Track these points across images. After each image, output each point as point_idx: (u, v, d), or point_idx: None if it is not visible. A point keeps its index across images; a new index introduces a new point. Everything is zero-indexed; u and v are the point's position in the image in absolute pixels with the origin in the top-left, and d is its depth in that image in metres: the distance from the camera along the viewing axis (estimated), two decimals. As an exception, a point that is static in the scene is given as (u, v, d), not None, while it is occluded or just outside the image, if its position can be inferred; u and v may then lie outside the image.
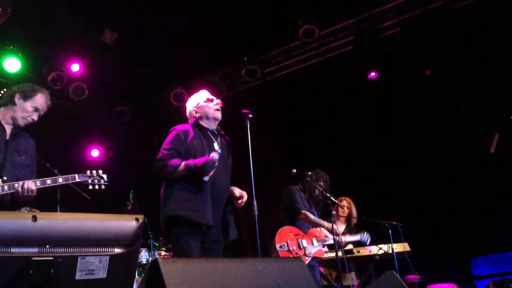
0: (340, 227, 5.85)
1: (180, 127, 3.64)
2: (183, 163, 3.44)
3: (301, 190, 5.47)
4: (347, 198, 5.97)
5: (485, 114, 6.66)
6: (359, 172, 7.37)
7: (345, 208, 5.87)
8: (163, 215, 3.46)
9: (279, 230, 5.05)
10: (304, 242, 5.02)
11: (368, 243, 5.41)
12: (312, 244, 5.09)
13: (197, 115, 3.70)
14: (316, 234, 5.25)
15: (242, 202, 3.64)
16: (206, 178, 3.45)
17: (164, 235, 3.59)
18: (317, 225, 5.26)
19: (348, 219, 5.96)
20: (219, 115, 3.72)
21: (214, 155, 3.37)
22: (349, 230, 5.82)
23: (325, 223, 5.22)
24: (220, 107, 3.73)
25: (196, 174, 3.39)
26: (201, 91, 3.85)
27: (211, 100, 3.72)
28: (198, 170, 3.39)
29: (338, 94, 7.46)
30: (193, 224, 3.36)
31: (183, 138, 3.56)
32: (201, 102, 3.73)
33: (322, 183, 5.44)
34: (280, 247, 4.84)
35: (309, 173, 5.18)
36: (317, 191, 5.41)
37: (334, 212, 5.27)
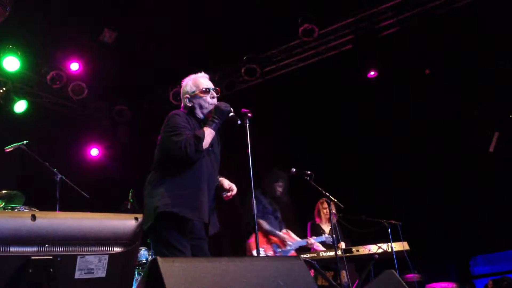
0: (327, 227, 5.86)
1: (181, 113, 3.34)
2: (202, 130, 3.18)
3: (263, 194, 5.37)
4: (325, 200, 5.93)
5: (484, 113, 6.66)
6: (359, 171, 7.37)
7: (327, 209, 5.86)
8: (154, 209, 3.10)
9: (251, 237, 5.03)
10: (279, 246, 5.00)
11: (330, 243, 5.32)
12: (286, 247, 5.08)
13: (190, 104, 3.41)
14: (288, 236, 5.23)
15: (230, 195, 3.38)
16: (232, 117, 3.30)
17: (149, 231, 3.14)
18: (269, 234, 5.15)
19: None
20: (214, 105, 3.39)
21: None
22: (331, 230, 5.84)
23: (278, 233, 5.12)
24: (217, 95, 3.47)
25: (222, 123, 3.25)
26: (199, 74, 3.53)
27: (208, 92, 3.40)
28: (222, 118, 3.25)
29: (338, 93, 7.46)
30: (186, 221, 3.14)
31: (187, 123, 3.30)
32: (197, 91, 3.40)
33: (281, 183, 5.40)
34: None
35: (308, 172, 5.17)
36: (278, 192, 5.36)
37: (334, 212, 5.27)
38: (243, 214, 5.21)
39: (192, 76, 3.53)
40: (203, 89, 3.41)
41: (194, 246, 3.20)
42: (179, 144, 3.08)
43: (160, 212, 3.08)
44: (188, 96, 3.42)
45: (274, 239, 5.12)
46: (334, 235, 4.79)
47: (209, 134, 3.19)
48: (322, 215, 5.96)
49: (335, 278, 5.25)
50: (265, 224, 5.13)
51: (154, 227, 3.10)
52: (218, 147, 3.52)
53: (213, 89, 3.45)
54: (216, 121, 3.24)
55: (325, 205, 5.90)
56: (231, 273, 2.22)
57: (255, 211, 3.54)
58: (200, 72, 3.54)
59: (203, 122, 3.35)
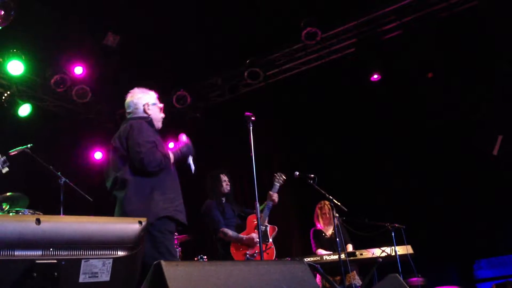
0: (329, 230, 5.84)
1: (143, 121, 3.49)
2: (169, 152, 3.41)
3: (216, 201, 5.18)
4: (327, 201, 5.90)
5: (487, 116, 6.64)
6: (362, 174, 7.36)
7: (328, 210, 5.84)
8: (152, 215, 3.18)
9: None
10: (248, 253, 4.92)
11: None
12: (254, 248, 5.00)
13: (150, 113, 3.60)
14: (254, 220, 5.06)
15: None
16: (190, 161, 3.51)
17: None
18: (236, 241, 4.96)
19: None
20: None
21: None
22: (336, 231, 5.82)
23: (244, 237, 4.96)
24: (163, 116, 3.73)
25: (182, 159, 3.48)
26: (150, 92, 3.74)
27: (160, 107, 3.71)
28: (184, 155, 3.47)
29: (340, 97, 7.46)
30: (176, 225, 3.36)
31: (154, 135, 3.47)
32: (152, 102, 3.66)
33: (224, 178, 5.22)
34: None
35: (312, 175, 5.15)
36: (226, 188, 5.25)
37: (337, 215, 5.26)
38: (207, 223, 5.12)
39: (146, 89, 3.74)
40: (157, 104, 3.69)
41: None
42: (147, 157, 3.22)
43: (160, 217, 3.21)
44: (148, 104, 3.61)
45: (242, 246, 5.02)
46: (338, 239, 4.77)
47: (173, 159, 3.43)
48: (321, 219, 5.93)
49: (342, 281, 5.22)
50: (230, 232, 4.98)
51: (149, 232, 3.13)
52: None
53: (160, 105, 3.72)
54: (181, 155, 3.49)
55: (325, 209, 5.88)
56: (235, 277, 2.22)
57: (259, 215, 3.57)
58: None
59: (157, 132, 3.55)
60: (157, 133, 3.53)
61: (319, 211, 5.99)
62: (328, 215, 5.85)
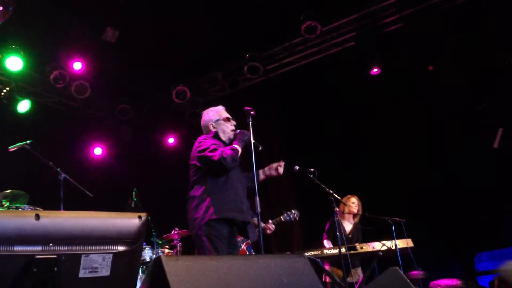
0: (348, 225, 5.83)
1: (209, 136, 3.96)
2: (234, 145, 3.79)
3: None
4: (355, 196, 5.90)
5: (488, 109, 6.63)
6: (362, 168, 7.36)
7: (355, 205, 5.81)
8: (201, 219, 3.64)
9: None
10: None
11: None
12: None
13: (214, 130, 4.02)
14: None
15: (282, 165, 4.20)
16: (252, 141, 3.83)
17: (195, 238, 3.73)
18: None
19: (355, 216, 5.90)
20: (235, 132, 4.03)
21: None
22: (355, 228, 5.81)
23: None
24: (235, 125, 4.06)
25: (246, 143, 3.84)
26: (219, 107, 4.17)
27: (229, 120, 4.05)
28: (247, 139, 3.82)
29: (341, 90, 7.45)
30: (232, 225, 3.73)
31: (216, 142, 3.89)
32: (221, 119, 4.04)
33: None
34: None
35: (312, 169, 5.13)
36: None
37: (337, 209, 5.25)
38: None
39: (213, 107, 4.18)
40: (225, 118, 4.06)
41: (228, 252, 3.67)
42: (216, 156, 3.65)
43: (208, 220, 3.58)
44: (212, 123, 4.05)
45: None
46: (338, 233, 4.75)
47: (239, 149, 3.78)
48: (346, 211, 5.86)
49: (344, 275, 5.22)
50: None
51: (198, 234, 3.62)
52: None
53: (232, 118, 4.09)
54: (242, 142, 3.83)
55: (352, 200, 5.84)
56: (235, 271, 2.22)
57: (259, 209, 3.58)
58: (219, 106, 4.21)
59: (227, 145, 3.92)
60: (223, 145, 3.91)
61: (348, 202, 5.89)
62: (354, 210, 5.80)
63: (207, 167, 3.73)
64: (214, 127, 4.04)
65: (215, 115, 4.09)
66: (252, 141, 3.83)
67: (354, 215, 5.88)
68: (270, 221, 5.07)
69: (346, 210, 5.87)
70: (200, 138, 3.93)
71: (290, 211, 5.27)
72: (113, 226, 1.97)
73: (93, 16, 6.76)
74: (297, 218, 5.27)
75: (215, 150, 3.71)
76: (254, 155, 3.77)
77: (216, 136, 3.98)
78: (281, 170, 4.22)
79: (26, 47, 6.78)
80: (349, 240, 5.67)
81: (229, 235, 3.69)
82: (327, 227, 5.89)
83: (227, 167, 3.67)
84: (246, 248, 5.15)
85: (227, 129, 4.02)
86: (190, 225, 3.78)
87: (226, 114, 4.10)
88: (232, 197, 3.70)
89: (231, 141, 3.94)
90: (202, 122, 4.14)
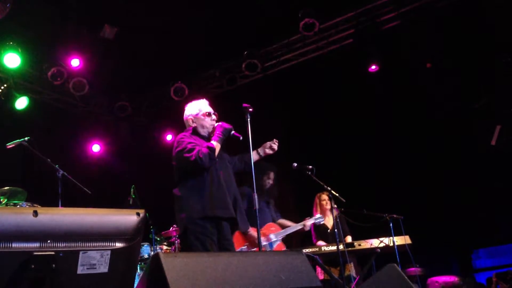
0: (329, 221, 5.85)
1: (186, 134, 3.88)
2: (212, 142, 3.75)
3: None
4: (326, 192, 5.89)
5: (485, 107, 6.64)
6: (360, 165, 7.37)
7: (326, 202, 5.86)
8: (188, 219, 3.62)
9: (235, 234, 4.91)
10: (262, 241, 4.91)
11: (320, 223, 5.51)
12: (270, 240, 5.02)
13: (193, 125, 3.96)
14: (272, 228, 5.13)
15: (275, 143, 4.25)
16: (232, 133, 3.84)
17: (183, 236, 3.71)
18: (242, 232, 4.84)
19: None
20: (215, 126, 3.96)
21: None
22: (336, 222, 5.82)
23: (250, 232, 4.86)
24: (216, 119, 3.98)
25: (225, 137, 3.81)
26: (201, 101, 4.07)
27: (209, 115, 3.96)
28: (226, 132, 3.80)
29: (339, 88, 7.45)
30: (218, 221, 3.69)
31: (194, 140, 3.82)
32: (200, 114, 3.96)
33: (271, 175, 5.36)
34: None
35: (310, 166, 5.13)
36: (268, 184, 5.33)
37: (335, 206, 5.26)
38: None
39: (196, 101, 4.10)
40: (206, 113, 3.97)
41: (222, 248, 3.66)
42: (193, 156, 3.60)
43: (193, 219, 3.57)
44: (192, 117, 3.98)
45: (245, 240, 4.97)
46: (336, 230, 4.77)
47: (217, 146, 3.74)
48: (319, 210, 5.92)
49: (341, 272, 5.23)
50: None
51: (186, 233, 3.61)
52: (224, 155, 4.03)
53: (213, 113, 4.00)
54: (221, 136, 3.79)
55: (323, 197, 5.89)
56: (233, 267, 2.22)
57: (257, 206, 3.59)
58: (202, 98, 4.14)
59: (207, 139, 3.86)
60: (202, 141, 3.84)
61: (318, 201, 6.00)
62: (326, 206, 5.86)
63: (186, 167, 3.71)
64: (193, 121, 3.97)
65: (195, 109, 4.02)
66: (232, 132, 3.83)
67: (330, 210, 5.85)
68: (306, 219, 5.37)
69: (319, 208, 5.92)
70: (178, 137, 3.86)
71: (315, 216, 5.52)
72: (111, 222, 1.97)
73: (91, 13, 6.74)
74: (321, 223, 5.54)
75: (191, 150, 3.65)
76: (250, 147, 3.83)
77: (195, 132, 3.93)
78: (275, 146, 4.24)
79: (24, 44, 6.76)
80: (333, 234, 5.67)
81: (219, 231, 3.66)
82: (312, 227, 5.89)
83: (204, 166, 3.63)
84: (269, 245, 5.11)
85: (207, 123, 3.94)
86: (178, 225, 3.85)
87: (207, 109, 4.00)
88: (215, 194, 3.66)
89: (211, 136, 3.89)
90: (184, 116, 4.08)
